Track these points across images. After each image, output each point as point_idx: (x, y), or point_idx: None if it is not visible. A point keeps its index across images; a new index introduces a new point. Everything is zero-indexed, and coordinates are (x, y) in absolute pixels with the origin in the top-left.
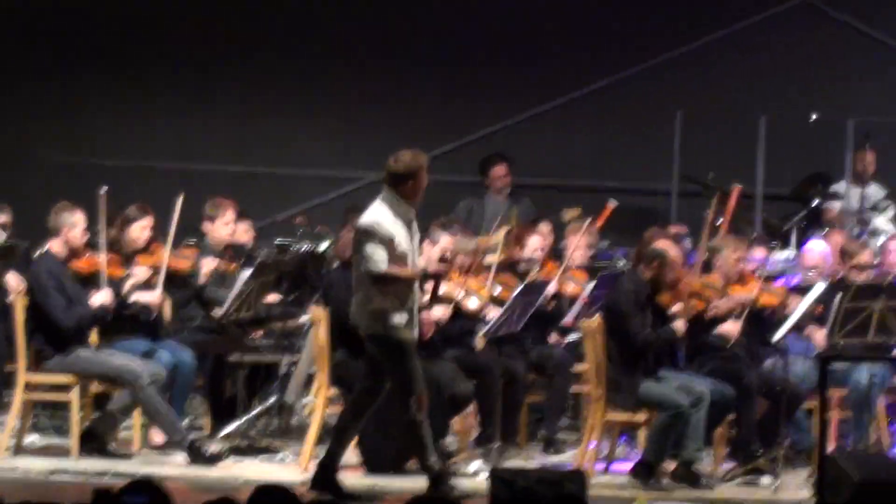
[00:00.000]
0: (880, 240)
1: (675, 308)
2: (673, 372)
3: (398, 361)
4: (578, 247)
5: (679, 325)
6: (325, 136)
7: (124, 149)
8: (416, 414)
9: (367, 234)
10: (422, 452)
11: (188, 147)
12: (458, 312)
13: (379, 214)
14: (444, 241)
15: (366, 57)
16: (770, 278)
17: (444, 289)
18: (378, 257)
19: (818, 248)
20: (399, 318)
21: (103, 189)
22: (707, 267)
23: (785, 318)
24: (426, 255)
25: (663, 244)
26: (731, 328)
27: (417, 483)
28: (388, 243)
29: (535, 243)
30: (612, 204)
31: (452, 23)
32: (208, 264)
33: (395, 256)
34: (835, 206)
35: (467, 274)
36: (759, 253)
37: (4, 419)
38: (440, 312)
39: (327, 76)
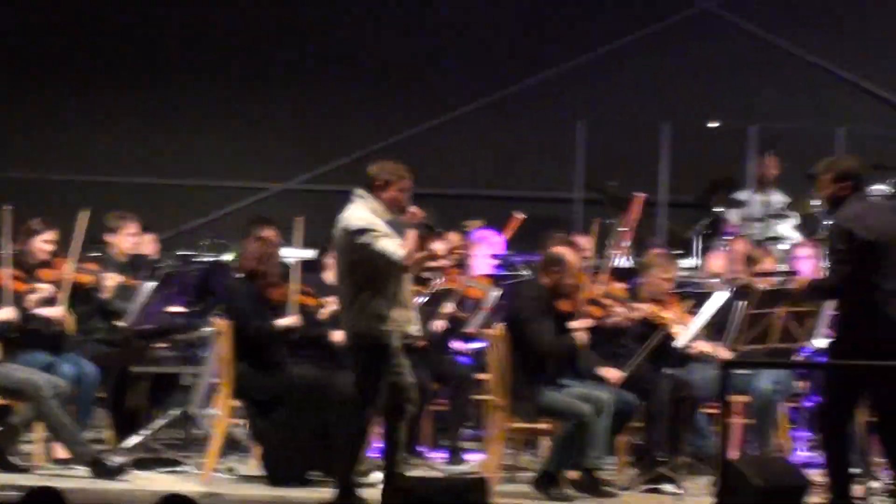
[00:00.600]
0: (783, 246)
1: (575, 323)
2: (575, 380)
3: (374, 370)
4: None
5: (580, 334)
6: (230, 147)
7: (27, 162)
8: (364, 426)
9: (365, 233)
10: (349, 466)
11: (92, 159)
12: None
13: (364, 213)
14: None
15: (270, 68)
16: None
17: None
18: (392, 247)
19: (718, 258)
20: (398, 316)
21: (8, 206)
22: (617, 275)
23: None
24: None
25: (561, 250)
26: (614, 376)
27: (320, 493)
28: (389, 235)
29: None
30: (519, 215)
31: (357, 34)
32: (112, 278)
33: None
34: (735, 214)
35: None
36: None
37: None
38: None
39: (231, 88)
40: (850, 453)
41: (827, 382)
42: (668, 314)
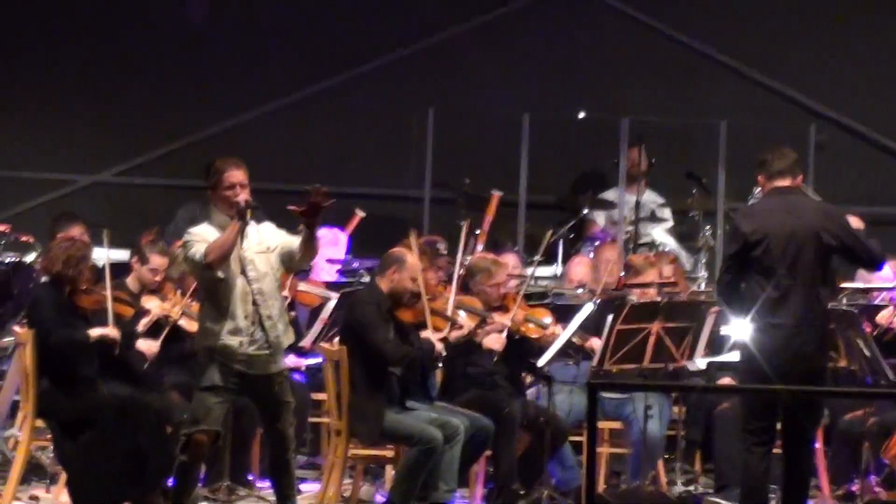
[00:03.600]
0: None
1: (427, 333)
2: (424, 402)
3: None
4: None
5: (436, 340)
6: (33, 134)
7: None
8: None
9: (185, 245)
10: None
11: None
12: (179, 334)
13: (201, 225)
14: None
15: (82, 50)
16: (532, 299)
17: (155, 306)
18: (196, 249)
19: (582, 264)
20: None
21: None
22: (465, 283)
23: (550, 342)
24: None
25: (401, 251)
26: (497, 341)
27: None
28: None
29: None
30: (359, 213)
31: (175, 15)
32: None
33: None
34: (603, 216)
35: (185, 293)
36: (515, 268)
37: None
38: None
39: (36, 70)
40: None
41: (741, 401)
42: (531, 330)
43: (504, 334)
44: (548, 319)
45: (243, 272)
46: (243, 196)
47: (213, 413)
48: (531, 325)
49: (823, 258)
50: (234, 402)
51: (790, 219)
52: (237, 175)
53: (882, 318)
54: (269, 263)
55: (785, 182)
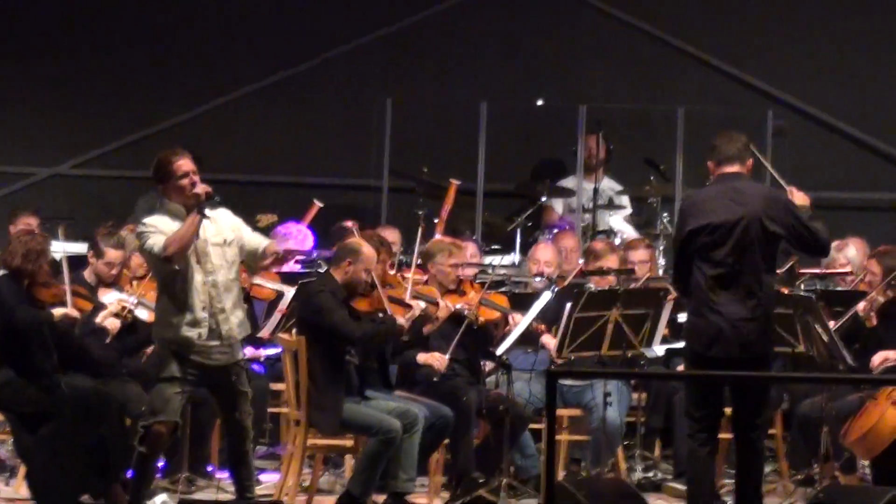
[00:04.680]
0: (616, 241)
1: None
2: (383, 392)
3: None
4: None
5: (401, 319)
6: None
7: None
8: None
9: (141, 236)
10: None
11: None
12: (136, 324)
13: (154, 215)
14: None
15: (38, 41)
16: (491, 287)
17: (113, 300)
18: (154, 241)
19: (547, 248)
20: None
21: None
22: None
23: (509, 329)
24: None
25: (356, 241)
26: (439, 360)
27: None
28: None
29: None
30: (317, 203)
31: (132, 4)
32: None
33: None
34: (561, 204)
35: (142, 279)
36: (473, 257)
37: None
38: (110, 323)
39: None
40: (711, 468)
41: (685, 388)
42: (487, 313)
43: (447, 357)
44: (504, 305)
45: (199, 263)
46: (202, 187)
47: (172, 404)
48: (486, 308)
49: (768, 245)
50: (192, 394)
51: (734, 206)
52: (187, 163)
53: (862, 308)
54: (224, 256)
55: (733, 168)
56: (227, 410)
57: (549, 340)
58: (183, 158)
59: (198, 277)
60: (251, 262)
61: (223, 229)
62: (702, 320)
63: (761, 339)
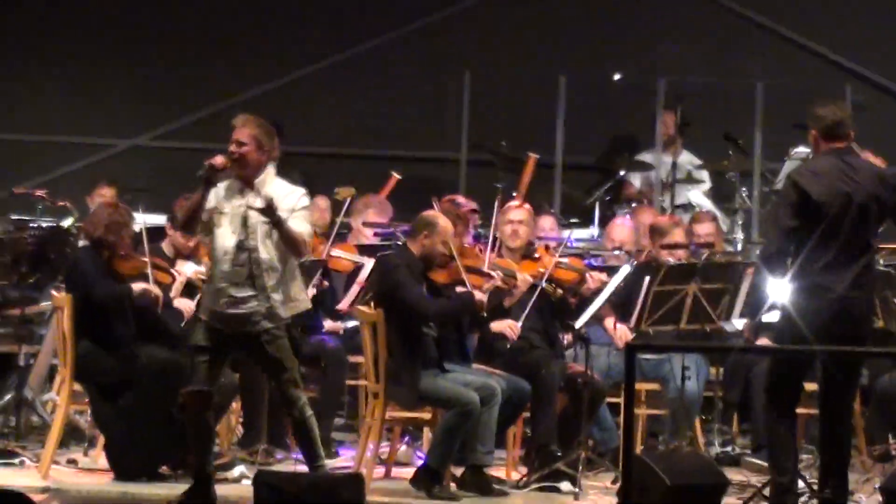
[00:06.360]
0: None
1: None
2: (461, 365)
3: None
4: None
5: (479, 294)
6: (69, 100)
7: None
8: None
9: None
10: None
11: None
12: None
13: None
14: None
15: (117, 14)
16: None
17: (189, 271)
18: None
19: (624, 226)
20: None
21: None
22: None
23: (588, 302)
24: None
25: (432, 214)
26: (511, 328)
27: (171, 489)
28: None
29: None
30: (396, 176)
31: None
32: None
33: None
34: (639, 178)
35: None
36: (552, 230)
37: None
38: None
39: (72, 33)
40: (794, 443)
41: (772, 363)
42: (564, 273)
43: (519, 324)
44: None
45: (230, 230)
46: (210, 160)
47: (199, 373)
48: (563, 269)
49: (876, 223)
50: (222, 362)
51: (848, 181)
52: (235, 132)
53: None
54: (259, 226)
55: (842, 142)
56: (269, 379)
57: (612, 325)
58: (236, 128)
59: (221, 245)
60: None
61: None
62: (804, 295)
63: (866, 317)
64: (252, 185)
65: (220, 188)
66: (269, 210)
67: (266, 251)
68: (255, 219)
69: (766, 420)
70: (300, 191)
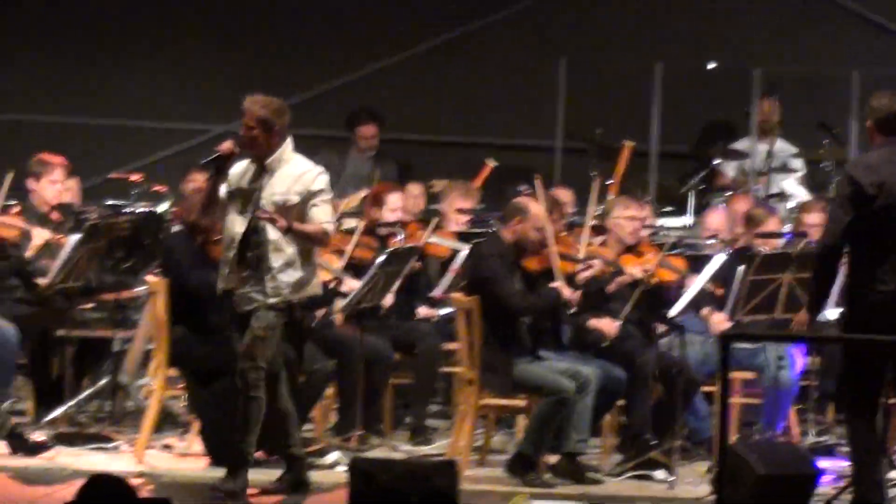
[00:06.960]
0: (789, 204)
1: (554, 284)
2: (556, 352)
3: None
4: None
5: (564, 289)
6: (166, 85)
7: None
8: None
9: None
10: (286, 440)
11: (7, 96)
12: None
13: None
14: None
15: (213, 1)
16: (669, 249)
17: None
18: None
19: (719, 214)
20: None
21: None
22: (599, 233)
23: (683, 291)
24: None
25: (524, 200)
26: (609, 326)
27: (266, 475)
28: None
29: (396, 202)
30: (490, 163)
31: None
32: (39, 235)
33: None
34: (734, 167)
35: None
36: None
37: None
38: None
39: (168, 17)
40: (876, 436)
41: (847, 356)
42: (666, 274)
43: (618, 323)
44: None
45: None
46: (218, 147)
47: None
48: (665, 269)
49: None
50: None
51: None
52: (245, 116)
53: None
54: (269, 206)
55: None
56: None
57: (709, 314)
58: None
59: (228, 228)
60: None
61: (279, 188)
62: (872, 293)
63: None
64: (265, 165)
65: (236, 167)
66: (274, 222)
67: (274, 231)
68: (266, 199)
69: (844, 420)
70: (317, 169)
